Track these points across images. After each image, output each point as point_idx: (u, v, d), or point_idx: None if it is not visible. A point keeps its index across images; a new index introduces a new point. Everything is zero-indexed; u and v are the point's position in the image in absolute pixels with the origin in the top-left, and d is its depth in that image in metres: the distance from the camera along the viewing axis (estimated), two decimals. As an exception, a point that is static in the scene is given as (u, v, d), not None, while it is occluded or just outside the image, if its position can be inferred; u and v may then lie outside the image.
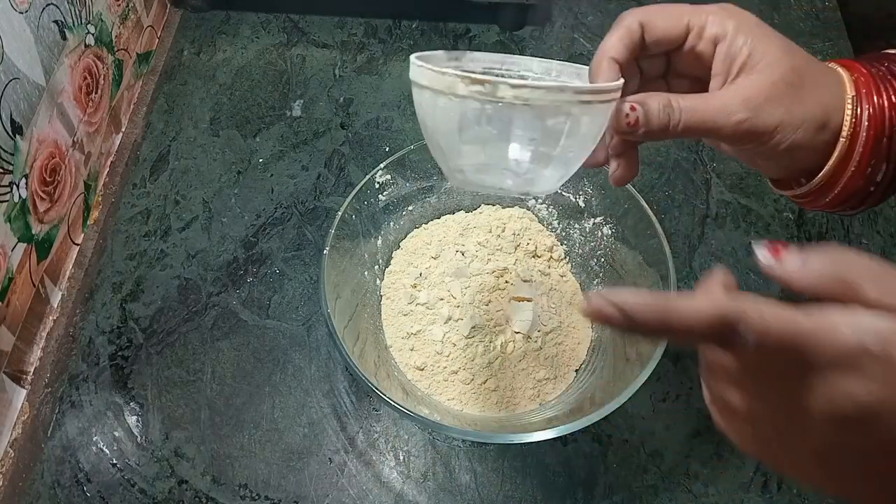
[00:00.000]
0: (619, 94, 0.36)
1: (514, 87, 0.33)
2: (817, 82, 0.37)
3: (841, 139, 0.37)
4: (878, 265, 0.27)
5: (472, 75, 0.33)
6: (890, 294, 0.26)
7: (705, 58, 0.39)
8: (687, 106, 0.36)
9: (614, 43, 0.38)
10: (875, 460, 0.27)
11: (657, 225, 0.56)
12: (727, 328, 0.26)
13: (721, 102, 0.36)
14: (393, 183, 0.62)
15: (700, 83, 0.40)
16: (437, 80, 0.34)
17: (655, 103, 0.36)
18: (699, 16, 0.38)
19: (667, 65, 0.41)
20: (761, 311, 0.26)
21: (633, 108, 0.36)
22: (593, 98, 0.34)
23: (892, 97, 0.37)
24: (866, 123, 0.37)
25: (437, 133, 0.37)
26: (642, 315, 0.27)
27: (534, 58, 0.42)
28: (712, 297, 0.27)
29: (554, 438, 0.48)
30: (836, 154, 0.37)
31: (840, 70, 0.39)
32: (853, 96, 0.37)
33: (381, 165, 0.60)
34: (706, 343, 0.28)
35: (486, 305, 0.59)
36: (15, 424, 0.59)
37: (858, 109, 0.37)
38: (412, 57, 0.36)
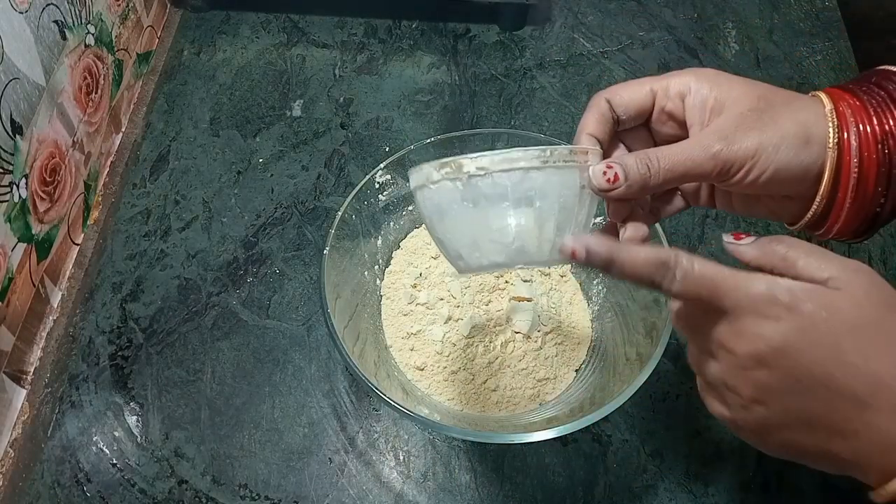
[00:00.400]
0: (585, 157, 0.38)
1: (473, 159, 0.36)
2: (788, 103, 0.37)
3: (828, 149, 0.37)
4: (817, 249, 0.32)
5: (442, 160, 0.37)
6: (818, 270, 0.31)
7: (678, 115, 0.40)
8: (663, 154, 0.37)
9: (589, 121, 0.40)
10: (797, 399, 0.31)
11: (657, 225, 0.56)
12: (661, 265, 0.33)
13: (696, 141, 0.37)
14: (393, 183, 0.62)
15: None
16: (418, 176, 0.39)
17: (632, 158, 0.37)
18: (660, 80, 0.40)
19: (650, 137, 0.42)
20: (692, 258, 0.33)
21: (609, 167, 0.37)
22: (551, 159, 0.36)
23: (891, 123, 0.36)
24: (855, 144, 0.36)
25: (432, 225, 0.40)
26: (597, 250, 0.34)
27: (532, 148, 0.39)
28: (656, 247, 0.33)
29: (554, 438, 0.48)
30: (828, 166, 0.37)
31: (819, 93, 0.38)
32: (831, 109, 0.37)
33: (381, 165, 0.60)
34: (644, 280, 0.33)
35: (486, 305, 0.59)
36: (15, 424, 0.59)
37: (841, 127, 0.37)
38: (410, 171, 0.40)
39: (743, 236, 0.35)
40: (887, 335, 0.30)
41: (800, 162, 0.37)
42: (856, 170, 0.36)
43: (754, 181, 0.37)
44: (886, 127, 0.36)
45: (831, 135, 0.36)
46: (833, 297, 0.31)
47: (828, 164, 0.37)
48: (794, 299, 0.31)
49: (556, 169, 0.37)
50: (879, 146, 0.36)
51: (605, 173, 0.37)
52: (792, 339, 0.31)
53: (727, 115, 0.37)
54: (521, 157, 0.36)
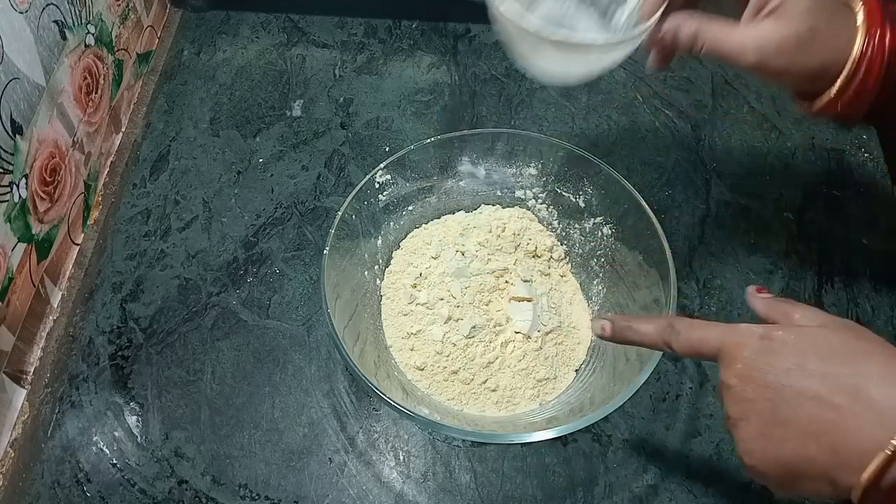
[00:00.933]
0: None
1: None
2: (833, 36, 0.43)
3: (850, 62, 0.44)
4: (817, 309, 0.38)
5: None
6: (810, 320, 0.37)
7: None
8: (710, 37, 0.44)
9: None
10: (768, 406, 0.35)
11: (657, 225, 0.56)
12: (668, 326, 0.40)
13: (739, 41, 0.44)
14: (393, 183, 0.62)
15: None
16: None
17: (687, 28, 0.44)
18: None
19: None
20: (690, 320, 0.40)
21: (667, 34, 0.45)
22: None
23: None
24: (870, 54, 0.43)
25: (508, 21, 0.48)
26: (619, 324, 0.44)
27: None
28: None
29: (554, 438, 0.48)
30: (858, 41, 0.43)
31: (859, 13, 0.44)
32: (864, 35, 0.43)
33: (381, 165, 0.60)
34: (658, 341, 0.41)
35: (486, 305, 0.59)
36: (15, 424, 0.59)
37: (867, 44, 0.43)
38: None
39: (764, 291, 0.42)
40: (848, 349, 0.34)
41: (820, 73, 0.44)
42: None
43: (778, 82, 0.45)
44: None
45: (856, 50, 0.43)
46: (807, 329, 0.36)
47: (843, 80, 0.44)
48: (767, 330, 0.36)
49: None
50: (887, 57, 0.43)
51: (662, 37, 0.45)
52: (760, 354, 0.36)
53: (775, 29, 0.43)
54: None
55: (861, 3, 0.45)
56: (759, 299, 0.41)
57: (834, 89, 0.45)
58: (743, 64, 0.44)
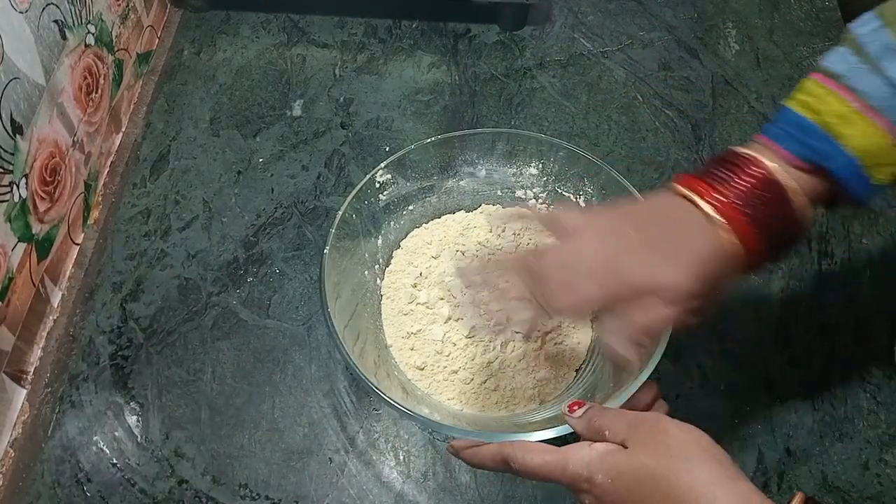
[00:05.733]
0: None
1: None
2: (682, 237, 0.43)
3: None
4: (618, 414, 0.41)
5: None
6: (616, 435, 0.39)
7: None
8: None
9: None
10: None
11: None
12: (504, 459, 0.43)
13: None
14: (393, 182, 0.62)
15: None
16: None
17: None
18: None
19: None
20: (524, 451, 0.42)
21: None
22: None
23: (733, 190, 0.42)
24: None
25: None
26: (461, 450, 0.46)
27: None
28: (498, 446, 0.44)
29: (554, 438, 0.48)
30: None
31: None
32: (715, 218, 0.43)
33: (382, 165, 0.60)
34: (497, 467, 0.44)
35: (487, 305, 0.59)
36: (15, 424, 0.59)
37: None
38: None
39: (575, 408, 0.43)
40: (656, 485, 0.37)
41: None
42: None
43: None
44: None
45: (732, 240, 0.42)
46: (618, 459, 0.38)
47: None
48: (590, 472, 0.39)
49: None
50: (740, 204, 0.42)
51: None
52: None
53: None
54: None
55: (685, 188, 0.44)
56: (573, 419, 0.43)
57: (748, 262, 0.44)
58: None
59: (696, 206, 0.43)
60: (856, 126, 0.40)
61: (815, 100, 0.42)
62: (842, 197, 0.43)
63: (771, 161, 0.42)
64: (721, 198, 0.42)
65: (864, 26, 0.41)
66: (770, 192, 0.42)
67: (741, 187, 0.42)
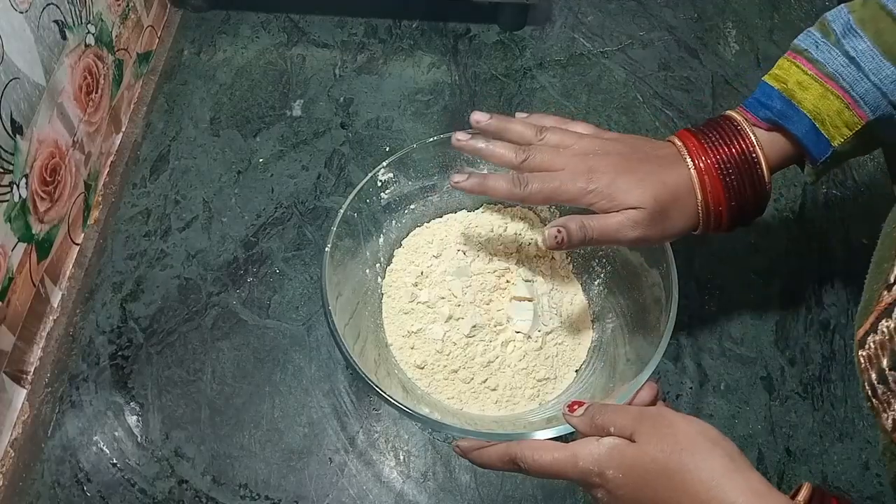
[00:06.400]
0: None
1: None
2: (675, 201, 0.49)
3: (699, 209, 0.50)
4: (621, 409, 0.43)
5: None
6: (622, 430, 0.41)
7: None
8: (594, 225, 0.49)
9: None
10: None
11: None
12: (512, 459, 0.45)
13: (617, 222, 0.49)
14: (395, 181, 0.62)
15: None
16: None
17: (574, 224, 0.49)
18: None
19: None
20: (533, 450, 0.44)
21: (558, 231, 0.48)
22: None
23: (717, 157, 0.50)
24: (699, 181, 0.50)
25: None
26: (469, 451, 0.48)
27: None
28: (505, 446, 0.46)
29: (554, 438, 0.48)
30: (702, 215, 0.51)
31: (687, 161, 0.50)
32: (699, 187, 0.50)
33: (384, 164, 0.60)
34: (505, 466, 0.46)
35: (487, 305, 0.59)
36: (15, 424, 0.59)
37: (703, 188, 0.50)
38: None
39: (576, 407, 0.45)
40: (669, 479, 0.38)
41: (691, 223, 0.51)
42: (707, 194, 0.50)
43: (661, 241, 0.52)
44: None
45: (699, 197, 0.50)
46: (627, 454, 0.40)
47: (701, 212, 0.50)
48: (600, 467, 0.40)
49: None
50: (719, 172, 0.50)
51: (555, 237, 0.48)
52: (607, 498, 0.41)
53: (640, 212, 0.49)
54: None
55: (679, 141, 0.51)
56: (575, 419, 0.45)
57: (707, 222, 0.51)
58: (627, 240, 0.49)
59: (682, 158, 0.50)
60: (811, 90, 0.48)
61: (782, 72, 0.50)
62: (806, 156, 0.50)
63: (751, 132, 0.50)
64: (705, 158, 0.50)
65: (834, 13, 0.48)
66: (746, 164, 0.50)
67: (723, 154, 0.50)
